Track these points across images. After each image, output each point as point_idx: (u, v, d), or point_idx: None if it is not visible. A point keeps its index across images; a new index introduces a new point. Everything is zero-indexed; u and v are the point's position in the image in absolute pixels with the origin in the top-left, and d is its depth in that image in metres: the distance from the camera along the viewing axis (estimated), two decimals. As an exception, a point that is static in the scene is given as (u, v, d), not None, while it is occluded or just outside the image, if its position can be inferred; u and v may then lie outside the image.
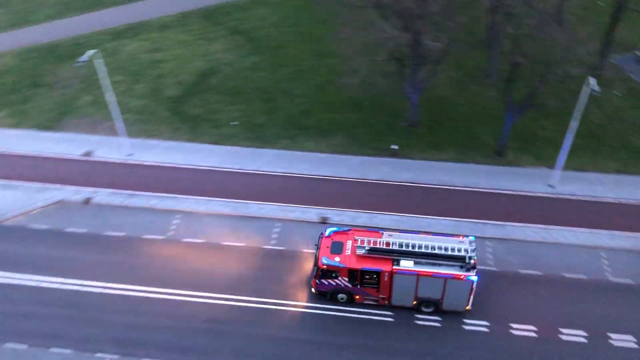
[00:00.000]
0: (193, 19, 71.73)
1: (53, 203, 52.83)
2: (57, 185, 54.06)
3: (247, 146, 57.46)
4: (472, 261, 42.89)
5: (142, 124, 60.09)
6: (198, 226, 50.88)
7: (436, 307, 44.73)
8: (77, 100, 62.97)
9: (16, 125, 59.97)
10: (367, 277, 43.71)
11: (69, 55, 68.05)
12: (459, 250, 43.18)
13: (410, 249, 43.23)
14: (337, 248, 44.19)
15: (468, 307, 44.45)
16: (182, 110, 61.41)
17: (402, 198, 52.50)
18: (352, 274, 43.84)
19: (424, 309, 44.96)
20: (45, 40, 70.43)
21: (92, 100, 62.82)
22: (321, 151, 56.69)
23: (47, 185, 54.21)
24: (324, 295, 45.65)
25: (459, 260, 42.94)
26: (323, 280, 44.42)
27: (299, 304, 45.83)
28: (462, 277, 42.69)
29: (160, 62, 66.57)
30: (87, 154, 56.67)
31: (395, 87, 57.98)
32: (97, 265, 48.43)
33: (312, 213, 51.81)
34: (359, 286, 44.39)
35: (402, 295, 43.99)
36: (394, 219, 51.24)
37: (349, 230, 45.28)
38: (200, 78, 64.19)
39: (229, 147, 57.34)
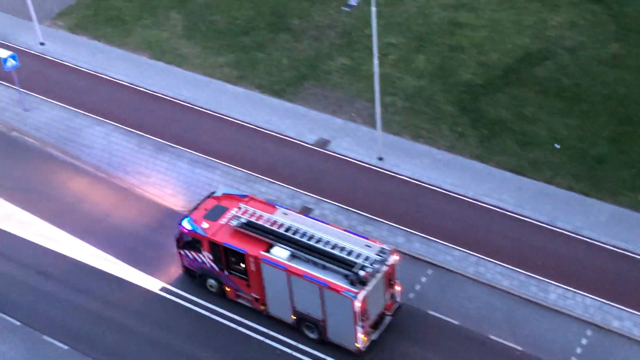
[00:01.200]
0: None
1: (258, 202, 42.72)
2: (269, 179, 42.52)
3: (569, 189, 41.10)
4: (362, 272, 34.78)
5: (411, 116, 45.51)
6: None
7: (320, 333, 36.94)
8: (327, 61, 49.49)
9: (238, 80, 48.17)
10: (232, 259, 37.55)
11: (328, -7, 55.78)
12: (355, 256, 35.51)
13: (294, 235, 36.54)
14: (216, 213, 38.17)
15: (358, 346, 35.89)
16: (478, 107, 45.93)
17: None
18: (215, 249, 37.79)
19: (306, 333, 37.25)
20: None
21: (347, 65, 49.32)
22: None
23: (256, 175, 42.76)
24: (192, 277, 39.61)
25: (346, 266, 35.21)
26: (187, 252, 38.73)
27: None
28: (339, 289, 34.74)
29: (462, 27, 50.98)
30: (322, 143, 44.41)
31: None
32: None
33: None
34: (226, 272, 38.18)
35: (277, 300, 37.24)
36: None
37: (245, 196, 39.05)
38: (520, 63, 47.98)
39: (538, 184, 41.45)
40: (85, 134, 44.99)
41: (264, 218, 36.91)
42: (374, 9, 38.99)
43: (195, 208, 38.35)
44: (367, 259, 35.12)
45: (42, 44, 50.78)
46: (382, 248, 35.51)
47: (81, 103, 46.90)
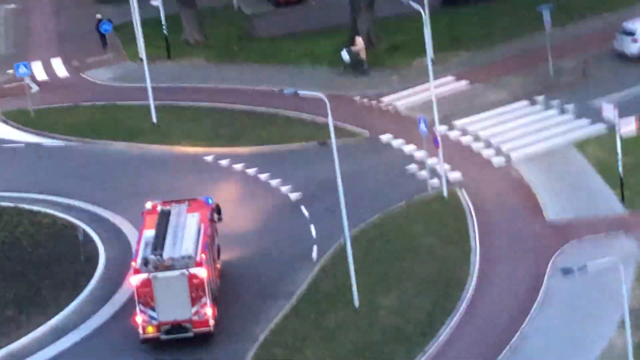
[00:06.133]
0: None
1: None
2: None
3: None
4: (152, 256, 44.48)
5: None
6: None
7: None
8: None
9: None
10: None
11: None
12: (170, 247, 45.15)
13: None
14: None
15: (139, 331, 45.33)
16: None
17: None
18: None
19: None
20: None
21: None
22: None
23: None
24: None
25: (153, 250, 45.36)
26: None
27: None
28: (132, 264, 45.40)
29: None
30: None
31: None
32: None
33: None
34: None
35: None
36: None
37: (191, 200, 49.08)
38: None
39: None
40: None
41: (177, 211, 47.47)
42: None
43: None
44: (174, 253, 44.18)
45: None
46: (190, 255, 43.90)
47: None
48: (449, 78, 66.39)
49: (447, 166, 54.33)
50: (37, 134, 66.37)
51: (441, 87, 62.99)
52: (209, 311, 44.35)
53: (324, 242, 50.46)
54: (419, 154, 56.90)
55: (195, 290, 43.98)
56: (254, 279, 49.04)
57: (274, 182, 57.18)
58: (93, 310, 47.75)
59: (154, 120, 63.95)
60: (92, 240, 52.48)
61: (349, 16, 72.27)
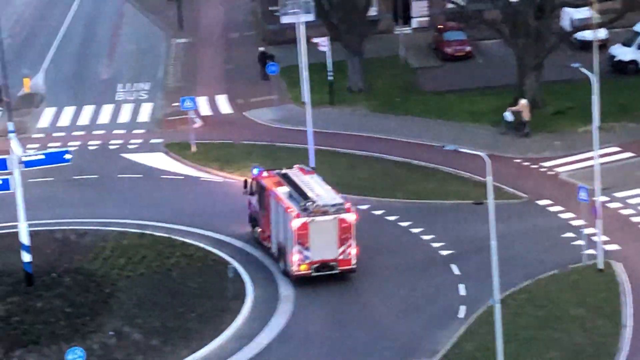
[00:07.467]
0: None
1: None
2: None
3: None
4: (309, 203, 52.17)
5: None
6: None
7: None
8: None
9: None
10: (262, 196, 56.95)
11: None
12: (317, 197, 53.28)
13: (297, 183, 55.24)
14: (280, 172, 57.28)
15: (293, 269, 53.14)
16: None
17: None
18: (258, 188, 57.76)
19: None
20: None
21: None
22: None
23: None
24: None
25: (305, 199, 53.01)
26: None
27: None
28: (289, 209, 52.77)
29: None
30: None
31: None
32: None
33: None
34: (261, 210, 57.61)
35: (274, 231, 56.54)
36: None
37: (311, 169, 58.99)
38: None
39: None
40: None
41: (294, 173, 55.92)
42: None
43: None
44: (325, 202, 52.35)
45: None
46: (342, 202, 52.62)
47: None
48: (614, 148, 66.17)
49: (604, 237, 53.51)
50: (196, 168, 68.89)
51: (605, 156, 62.66)
52: (353, 251, 52.42)
53: (473, 302, 50.28)
54: (576, 223, 56.53)
55: (344, 232, 52.04)
56: (398, 334, 49.00)
57: (426, 237, 57.47)
58: (236, 348, 48.58)
59: (312, 164, 65.30)
60: (241, 278, 53.83)
61: (515, 76, 72.86)
